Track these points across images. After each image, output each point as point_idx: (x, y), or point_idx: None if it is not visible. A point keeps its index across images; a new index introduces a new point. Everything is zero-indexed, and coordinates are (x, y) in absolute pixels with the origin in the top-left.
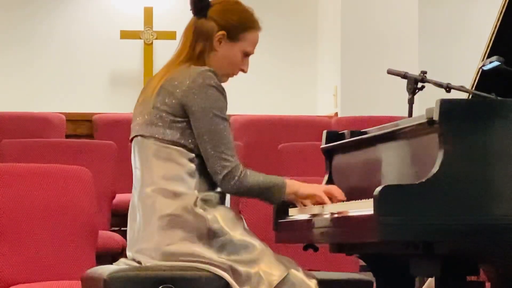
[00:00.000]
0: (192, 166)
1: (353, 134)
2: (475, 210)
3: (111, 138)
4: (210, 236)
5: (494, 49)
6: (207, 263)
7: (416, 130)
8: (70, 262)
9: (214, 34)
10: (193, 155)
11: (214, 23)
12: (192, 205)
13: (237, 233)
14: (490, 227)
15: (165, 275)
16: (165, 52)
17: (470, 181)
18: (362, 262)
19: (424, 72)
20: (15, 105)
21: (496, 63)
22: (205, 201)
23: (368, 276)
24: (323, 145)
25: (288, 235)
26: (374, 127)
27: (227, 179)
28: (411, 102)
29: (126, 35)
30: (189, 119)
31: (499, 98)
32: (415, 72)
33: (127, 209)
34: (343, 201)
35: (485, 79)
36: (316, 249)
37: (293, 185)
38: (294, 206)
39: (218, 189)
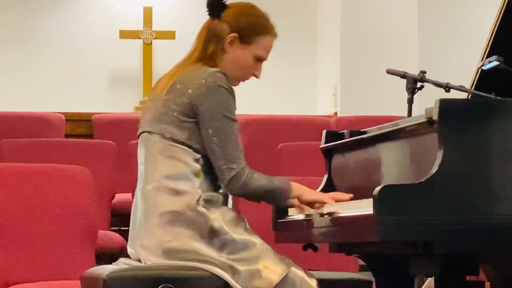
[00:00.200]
0: (197, 166)
1: (352, 133)
2: (475, 210)
3: (111, 137)
4: (211, 234)
5: (493, 49)
6: (207, 262)
7: (415, 130)
8: (69, 262)
9: (226, 36)
10: (199, 155)
11: (227, 24)
12: (194, 203)
13: (238, 232)
14: (489, 226)
15: (165, 275)
16: (165, 51)
17: (470, 180)
18: (361, 262)
19: (424, 72)
20: (15, 105)
21: (495, 63)
22: (208, 201)
23: (367, 275)
24: (323, 145)
25: (287, 235)
26: (374, 127)
27: (234, 181)
28: (410, 101)
29: (125, 34)
30: (198, 120)
31: (498, 97)
32: (414, 71)
33: (127, 209)
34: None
35: (484, 78)
36: (315, 249)
37: (298, 189)
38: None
39: (221, 190)
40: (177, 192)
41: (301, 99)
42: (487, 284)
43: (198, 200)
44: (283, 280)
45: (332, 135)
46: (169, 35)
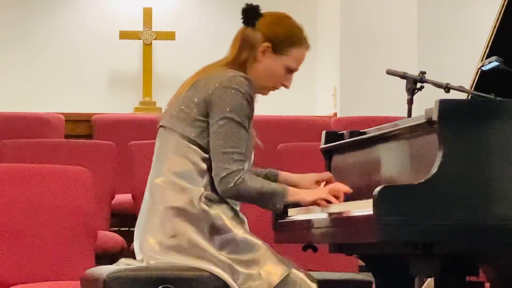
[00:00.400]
0: (204, 166)
1: (352, 134)
2: (475, 210)
3: (110, 138)
4: (212, 231)
5: (493, 50)
6: (207, 259)
7: (415, 131)
8: (69, 263)
9: (259, 45)
10: (207, 155)
11: (260, 33)
12: (197, 200)
13: (240, 231)
14: (489, 227)
15: (165, 275)
16: (164, 52)
17: (469, 181)
18: (361, 262)
19: (423, 73)
20: (14, 105)
21: (495, 64)
22: (210, 199)
23: (367, 276)
24: (322, 146)
25: (287, 235)
26: (373, 128)
27: (224, 182)
28: (410, 102)
29: (125, 35)
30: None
31: (498, 98)
32: (414, 72)
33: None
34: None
35: (484, 79)
36: (315, 249)
37: (296, 194)
38: (294, 206)
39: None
40: (182, 189)
41: (301, 99)
42: (487, 285)
43: (200, 197)
44: (284, 281)
45: (332, 136)
46: (169, 35)
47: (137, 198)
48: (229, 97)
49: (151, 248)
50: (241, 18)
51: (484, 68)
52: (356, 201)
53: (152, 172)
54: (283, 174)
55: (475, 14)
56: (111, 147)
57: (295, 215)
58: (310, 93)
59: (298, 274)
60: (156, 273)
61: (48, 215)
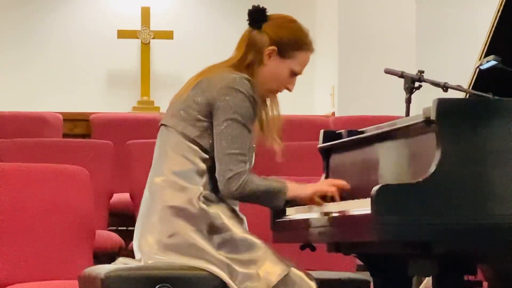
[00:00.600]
0: (203, 166)
1: (350, 133)
2: (473, 210)
3: (108, 137)
4: (211, 231)
5: (491, 49)
6: (205, 259)
7: (413, 130)
8: (68, 262)
9: (265, 48)
10: (207, 156)
11: (267, 37)
12: (196, 199)
13: (239, 231)
14: (487, 226)
15: (163, 274)
16: (163, 51)
17: (467, 180)
18: (359, 262)
19: (421, 72)
20: (12, 105)
21: (493, 63)
22: (208, 199)
23: (365, 275)
24: (320, 145)
25: (285, 235)
26: (371, 127)
27: (230, 184)
28: (408, 101)
29: (123, 34)
30: (212, 121)
31: (496, 97)
32: (412, 71)
33: (125, 209)
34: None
35: (482, 78)
36: (313, 249)
37: (294, 190)
38: (292, 205)
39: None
40: (181, 188)
41: (299, 99)
42: (485, 284)
43: (199, 196)
44: (283, 280)
45: (330, 135)
46: (167, 35)
47: (135, 198)
48: (232, 99)
49: (149, 247)
50: (247, 20)
51: (482, 67)
52: (354, 200)
53: (152, 171)
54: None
55: (473, 13)
56: (109, 146)
57: (293, 214)
58: (308, 93)
59: (297, 273)
60: (154, 272)
61: (46, 214)
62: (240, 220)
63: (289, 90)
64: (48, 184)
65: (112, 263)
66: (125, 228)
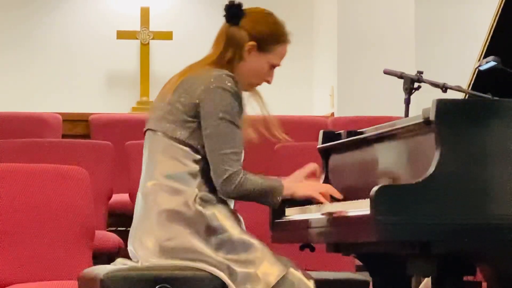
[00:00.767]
0: (196, 167)
1: (349, 134)
2: (472, 210)
3: (108, 138)
4: (208, 233)
5: (490, 49)
6: (204, 261)
7: (412, 130)
8: (67, 262)
9: (245, 44)
10: (199, 156)
11: (245, 32)
12: (192, 201)
13: (236, 231)
14: (486, 226)
15: (162, 275)
16: (162, 52)
17: (467, 180)
18: (358, 262)
19: (421, 72)
20: (12, 105)
21: (492, 63)
22: (204, 200)
23: (364, 275)
24: (320, 145)
25: (284, 235)
26: (371, 127)
27: (227, 183)
28: (407, 102)
29: (122, 35)
30: (200, 120)
31: (495, 98)
32: (411, 72)
33: (124, 209)
34: (339, 199)
35: (481, 79)
36: (312, 249)
37: (290, 188)
38: (291, 205)
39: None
40: (175, 191)
41: (298, 99)
42: (484, 284)
43: (195, 198)
44: (281, 281)
45: (329, 136)
46: (167, 35)
47: (134, 198)
48: (218, 98)
49: (147, 252)
50: (224, 16)
51: (481, 68)
52: (353, 201)
53: (144, 176)
54: None
55: (472, 13)
56: (108, 147)
57: (292, 214)
58: (308, 93)
59: (296, 274)
60: (154, 273)
61: (45, 215)
62: (237, 220)
63: (269, 82)
64: (47, 184)
65: (111, 264)
66: (124, 228)
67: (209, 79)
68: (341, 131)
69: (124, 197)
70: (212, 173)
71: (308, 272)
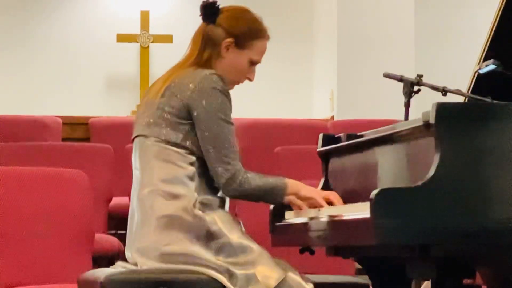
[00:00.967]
0: (192, 169)
1: (349, 137)
2: (471, 213)
3: (108, 141)
4: (208, 237)
5: (490, 53)
6: (204, 265)
7: (412, 134)
8: (67, 265)
9: (222, 41)
10: (194, 158)
11: (222, 30)
12: (191, 206)
13: (235, 236)
14: (486, 230)
15: (162, 278)
16: (162, 55)
17: (467, 184)
18: (358, 265)
19: (420, 76)
20: (12, 108)
21: (492, 67)
22: (204, 204)
23: (364, 279)
24: (320, 148)
25: (284, 238)
26: (370, 131)
27: (229, 183)
28: (407, 105)
29: (122, 38)
30: (193, 122)
31: (495, 101)
32: (411, 75)
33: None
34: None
35: (481, 82)
36: (312, 252)
37: (295, 186)
38: (291, 209)
39: (218, 194)
40: (173, 196)
41: (298, 103)
42: (483, 287)
43: (194, 203)
44: (280, 285)
45: (329, 139)
46: (166, 39)
47: None
48: (210, 98)
49: (145, 259)
50: (200, 15)
51: (481, 71)
52: (353, 204)
53: (137, 183)
54: None
55: (472, 17)
56: (108, 150)
57: (292, 218)
58: (307, 96)
59: (294, 278)
60: (154, 276)
61: (45, 218)
62: (236, 224)
63: (250, 80)
64: (47, 188)
65: (111, 267)
66: (124, 231)
67: (197, 79)
68: (341, 134)
69: (124, 200)
70: (213, 174)
71: (308, 275)
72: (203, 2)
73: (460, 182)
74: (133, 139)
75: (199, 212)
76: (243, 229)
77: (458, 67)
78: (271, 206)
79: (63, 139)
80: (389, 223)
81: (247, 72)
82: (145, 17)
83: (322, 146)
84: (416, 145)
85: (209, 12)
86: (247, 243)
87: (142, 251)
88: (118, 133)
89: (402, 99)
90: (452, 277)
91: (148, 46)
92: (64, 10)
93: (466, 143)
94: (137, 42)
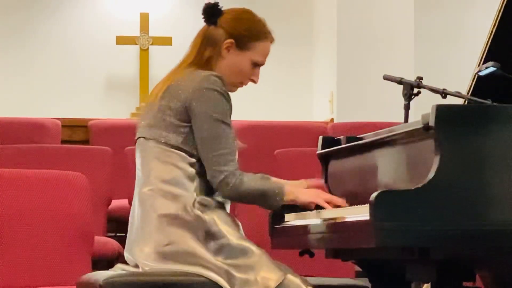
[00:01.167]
0: (192, 170)
1: (349, 139)
2: (471, 216)
3: (107, 143)
4: (207, 237)
5: (490, 55)
6: (203, 265)
7: (412, 136)
8: (66, 268)
9: (223, 42)
10: (194, 160)
11: (223, 31)
12: (191, 206)
13: (235, 237)
14: (486, 232)
15: (161, 280)
16: (161, 57)
17: (466, 186)
18: (358, 268)
19: (420, 78)
20: (11, 111)
21: (492, 69)
22: (203, 204)
23: (364, 282)
24: (319, 151)
25: (284, 241)
26: (370, 133)
27: (223, 184)
28: (407, 108)
29: (122, 40)
30: (191, 124)
31: (494, 103)
32: (411, 77)
33: (123, 215)
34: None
35: (481, 84)
36: (312, 255)
37: (292, 193)
38: (291, 211)
39: (218, 196)
40: (173, 196)
41: (298, 105)
42: None
43: (193, 203)
44: (279, 286)
45: (329, 141)
46: (166, 41)
47: None
48: (208, 99)
49: (146, 257)
50: (202, 17)
51: (480, 74)
52: (353, 207)
53: (139, 183)
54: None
55: (472, 19)
56: (107, 152)
57: (291, 220)
58: (307, 99)
59: (294, 280)
60: (153, 278)
61: (44, 220)
62: (236, 225)
63: (254, 82)
64: (47, 190)
65: (110, 269)
66: (123, 234)
67: (196, 81)
68: (341, 137)
69: (123, 202)
70: (208, 176)
71: (307, 278)
72: (206, 4)
73: (460, 185)
74: (136, 141)
75: (198, 212)
76: (242, 232)
77: (458, 70)
78: None
79: (63, 142)
80: (388, 226)
81: (249, 73)
82: (144, 19)
83: (322, 148)
84: (415, 148)
85: (211, 14)
86: (247, 244)
87: (142, 251)
88: (118, 136)
89: (402, 101)
90: (452, 280)
91: (148, 48)
92: (63, 12)
93: (465, 146)
94: (136, 44)
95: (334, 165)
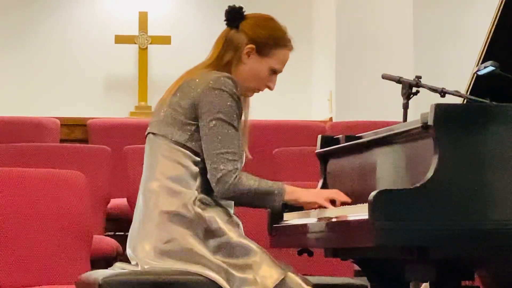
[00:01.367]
0: (196, 169)
1: (348, 138)
2: (470, 215)
3: (106, 142)
4: (207, 235)
5: (489, 54)
6: (202, 263)
7: (410, 135)
8: (65, 267)
9: (243, 47)
10: (199, 158)
11: (244, 35)
12: (191, 203)
13: (235, 235)
14: (484, 232)
15: (160, 279)
16: (160, 56)
17: (465, 186)
18: (356, 267)
19: (419, 77)
20: (10, 110)
21: (491, 68)
22: (204, 202)
23: (362, 280)
24: (318, 150)
25: (283, 240)
26: (369, 132)
27: (221, 183)
28: (405, 107)
29: (120, 40)
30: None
31: (493, 103)
32: (410, 77)
33: (122, 214)
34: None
35: (480, 84)
36: (310, 254)
37: (294, 193)
38: (289, 210)
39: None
40: (175, 193)
41: (297, 104)
42: None
43: (194, 200)
44: (279, 285)
45: (328, 140)
46: (165, 40)
47: (133, 203)
48: (215, 99)
49: (145, 253)
50: (224, 20)
51: (479, 73)
52: (352, 206)
53: (145, 178)
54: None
55: (471, 18)
56: (106, 151)
57: (290, 219)
58: (306, 98)
59: (294, 278)
60: (152, 277)
61: (43, 219)
62: (236, 224)
63: (270, 88)
64: (45, 189)
65: (109, 268)
66: (122, 233)
67: (207, 81)
68: (340, 136)
69: (122, 201)
70: (208, 174)
71: (306, 276)
72: (229, 7)
73: (459, 184)
74: (146, 135)
75: (199, 210)
76: (242, 230)
77: (457, 69)
78: None
79: (61, 140)
80: (387, 225)
81: (266, 80)
82: (143, 18)
83: (321, 147)
84: (414, 147)
85: (234, 17)
86: (246, 242)
87: (143, 247)
88: (117, 135)
89: (400, 100)
90: (450, 279)
91: (147, 47)
92: (63, 12)
93: (464, 145)
94: (135, 43)
95: (333, 164)
